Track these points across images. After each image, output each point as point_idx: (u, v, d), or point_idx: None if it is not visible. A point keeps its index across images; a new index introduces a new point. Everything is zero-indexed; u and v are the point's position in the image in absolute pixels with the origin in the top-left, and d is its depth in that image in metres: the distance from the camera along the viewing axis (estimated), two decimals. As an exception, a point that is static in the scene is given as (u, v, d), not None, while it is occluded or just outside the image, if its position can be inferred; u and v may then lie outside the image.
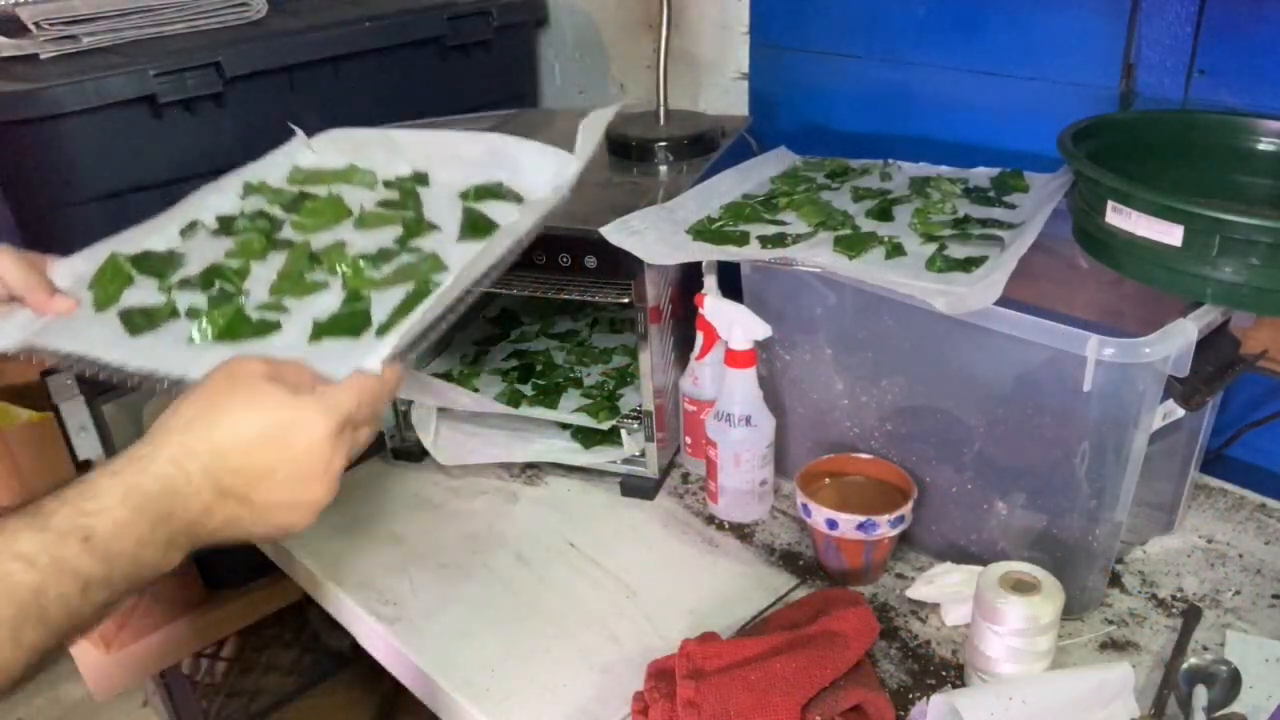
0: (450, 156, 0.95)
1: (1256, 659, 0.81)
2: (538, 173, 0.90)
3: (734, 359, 0.97)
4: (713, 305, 0.99)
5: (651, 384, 1.02)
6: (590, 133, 0.89)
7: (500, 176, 0.92)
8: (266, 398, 0.61)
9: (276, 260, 0.83)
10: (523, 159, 0.92)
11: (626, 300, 1.00)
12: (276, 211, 0.91)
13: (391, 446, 1.14)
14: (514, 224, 0.81)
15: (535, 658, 0.86)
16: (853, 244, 0.93)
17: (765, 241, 0.97)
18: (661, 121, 1.20)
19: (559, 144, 0.88)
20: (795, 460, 1.02)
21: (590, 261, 0.98)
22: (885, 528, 0.88)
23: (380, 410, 0.67)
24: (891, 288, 0.86)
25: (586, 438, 1.10)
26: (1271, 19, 0.93)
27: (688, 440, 1.10)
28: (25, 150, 1.14)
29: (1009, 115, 1.13)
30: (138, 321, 0.74)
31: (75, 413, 1.07)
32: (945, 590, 0.88)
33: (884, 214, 1.01)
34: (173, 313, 0.76)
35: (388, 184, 0.95)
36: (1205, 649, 0.83)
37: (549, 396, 1.13)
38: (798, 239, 0.96)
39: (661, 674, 0.77)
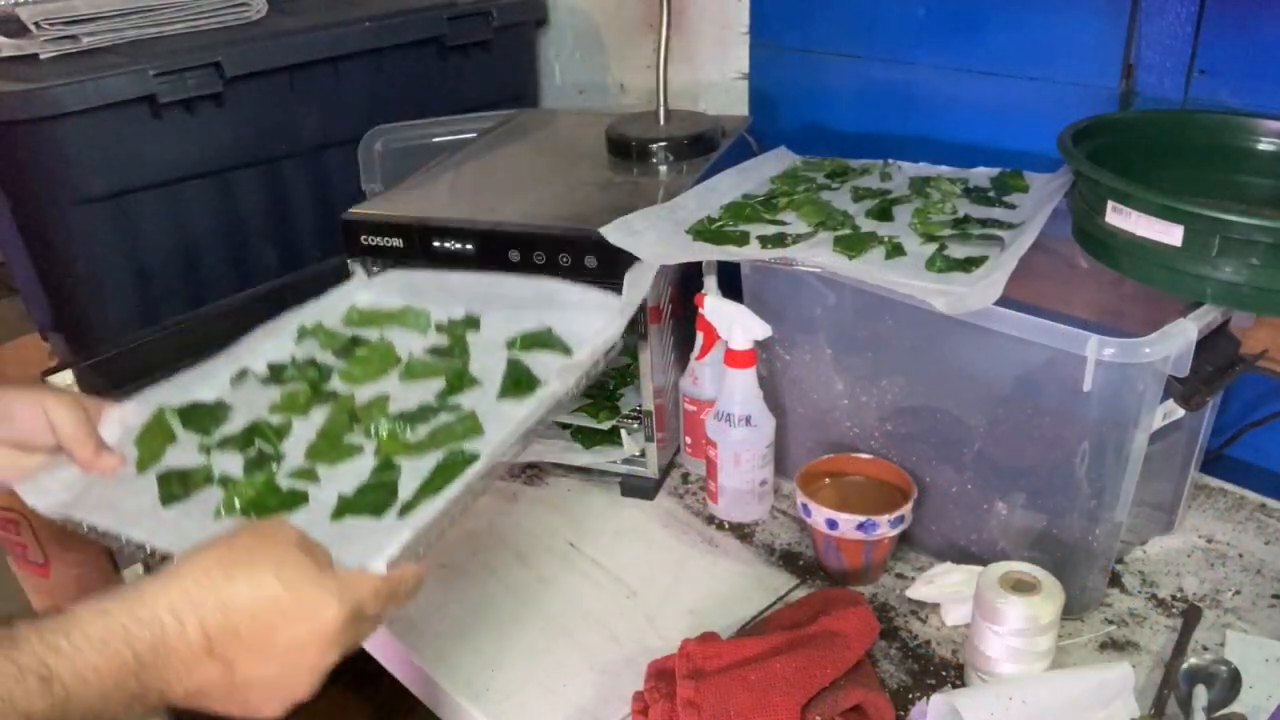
0: (501, 298, 0.97)
1: (1256, 659, 0.81)
2: (585, 318, 0.92)
3: (734, 359, 0.97)
4: (713, 305, 0.99)
5: (651, 384, 1.02)
6: (636, 285, 0.92)
7: (550, 321, 0.93)
8: (294, 567, 0.58)
9: (319, 415, 0.84)
10: (571, 302, 0.94)
11: (627, 300, 1.00)
12: (327, 358, 0.93)
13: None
14: (550, 392, 0.83)
15: (535, 658, 0.86)
16: (853, 244, 0.93)
17: (765, 241, 0.97)
18: (661, 121, 1.20)
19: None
20: (795, 460, 1.02)
21: (590, 261, 0.97)
22: (885, 528, 0.88)
23: (392, 609, 0.64)
24: (891, 288, 0.86)
25: (586, 438, 1.10)
26: (1271, 19, 0.93)
27: (688, 440, 1.10)
28: (25, 150, 1.14)
29: (1009, 115, 1.13)
30: (174, 490, 0.75)
31: (75, 413, 1.07)
32: (945, 590, 0.88)
33: (884, 214, 1.01)
34: (208, 479, 0.77)
35: (439, 327, 0.96)
36: (1205, 649, 0.83)
37: (549, 396, 1.13)
38: (798, 239, 0.96)
39: (661, 674, 0.77)
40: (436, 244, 1.03)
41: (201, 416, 0.84)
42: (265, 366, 0.91)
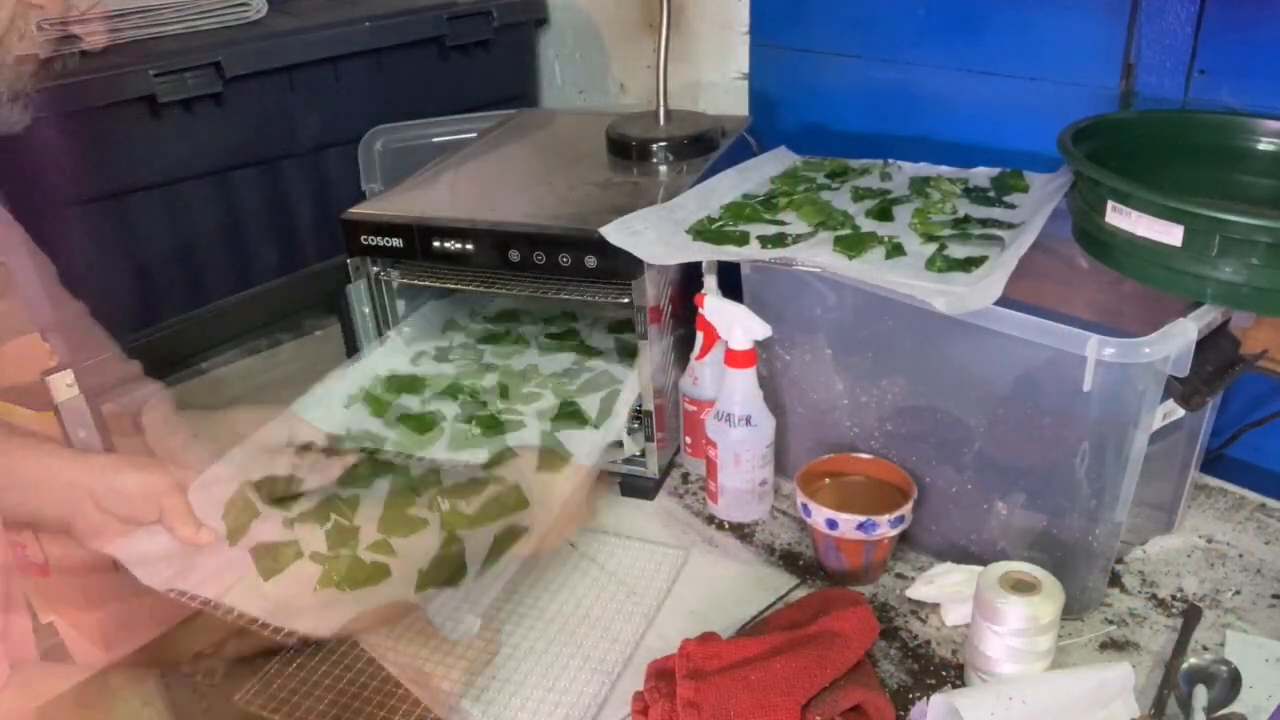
0: (529, 367, 1.15)
1: (1256, 659, 0.81)
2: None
3: (734, 359, 0.97)
4: (713, 305, 0.99)
5: (651, 384, 1.02)
6: (644, 357, 1.02)
7: (573, 392, 1.08)
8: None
9: (381, 486, 0.94)
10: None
11: (626, 300, 1.00)
12: (378, 428, 1.04)
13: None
14: (585, 470, 0.95)
15: (535, 658, 0.86)
16: (853, 244, 0.93)
17: (765, 241, 0.97)
18: (661, 121, 1.20)
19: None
20: (795, 460, 1.02)
21: (590, 261, 0.98)
22: (885, 528, 0.88)
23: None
24: (891, 288, 0.86)
25: (587, 438, 1.10)
26: (1271, 19, 0.93)
27: (688, 440, 1.10)
28: (25, 150, 1.13)
29: (1009, 115, 1.13)
30: (270, 565, 0.84)
31: (75, 413, 1.07)
32: (945, 590, 0.88)
33: (884, 214, 1.01)
34: (298, 554, 0.85)
35: (472, 394, 1.10)
36: (1205, 649, 0.83)
37: (549, 397, 1.14)
38: (798, 239, 0.96)
39: (661, 674, 0.77)
40: (436, 244, 1.03)
41: (278, 490, 0.92)
42: (324, 437, 0.99)
